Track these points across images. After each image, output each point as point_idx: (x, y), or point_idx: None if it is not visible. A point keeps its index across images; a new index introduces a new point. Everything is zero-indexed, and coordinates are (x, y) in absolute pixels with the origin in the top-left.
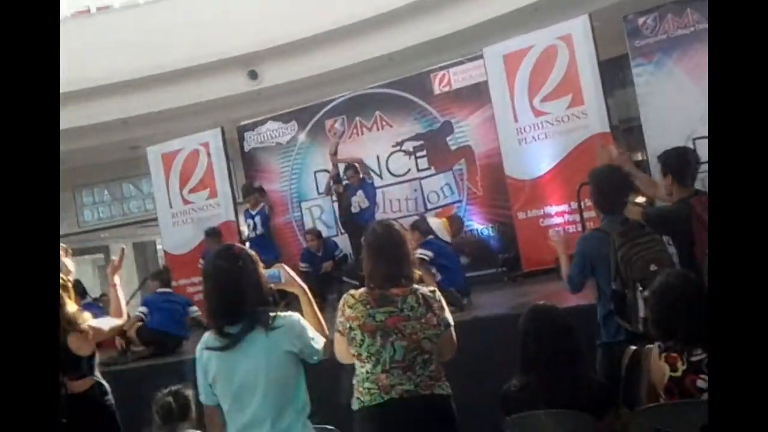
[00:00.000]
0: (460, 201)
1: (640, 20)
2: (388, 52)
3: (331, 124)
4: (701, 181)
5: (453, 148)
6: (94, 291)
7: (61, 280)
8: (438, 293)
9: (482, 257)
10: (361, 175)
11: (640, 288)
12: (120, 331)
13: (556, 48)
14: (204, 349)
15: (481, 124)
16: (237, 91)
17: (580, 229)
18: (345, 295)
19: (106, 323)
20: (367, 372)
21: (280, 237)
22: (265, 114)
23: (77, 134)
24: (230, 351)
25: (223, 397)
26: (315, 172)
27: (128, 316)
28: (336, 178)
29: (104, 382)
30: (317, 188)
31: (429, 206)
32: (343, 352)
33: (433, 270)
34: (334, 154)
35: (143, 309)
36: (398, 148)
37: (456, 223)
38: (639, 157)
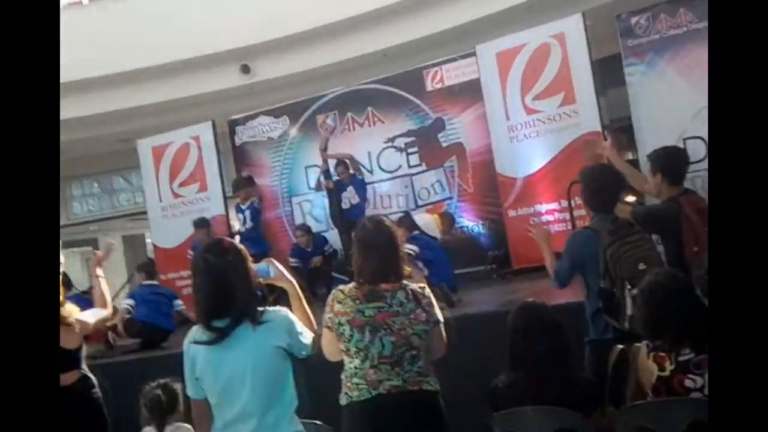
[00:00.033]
0: (450, 198)
1: (633, 20)
2: (381, 48)
3: (322, 120)
4: (690, 180)
5: (444, 144)
6: (82, 284)
7: None
8: (427, 289)
9: (472, 254)
10: (351, 171)
11: (629, 286)
12: (111, 325)
13: (549, 46)
14: (192, 343)
15: (473, 122)
16: (229, 86)
17: (570, 227)
18: (334, 291)
19: (92, 315)
20: (356, 367)
21: (270, 231)
22: (257, 108)
23: (67, 126)
24: (218, 345)
25: (211, 391)
26: (306, 168)
27: (115, 308)
28: (326, 174)
29: (91, 375)
30: (308, 183)
31: (420, 203)
32: (331, 348)
33: (420, 265)
34: (324, 149)
35: (130, 301)
36: (390, 144)
37: (447, 220)
38: (630, 156)
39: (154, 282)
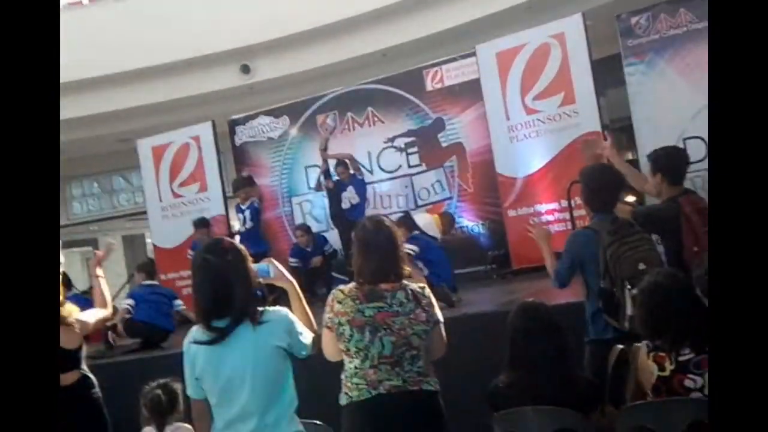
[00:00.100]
0: (450, 198)
1: (633, 20)
2: (381, 48)
3: (322, 120)
4: (690, 180)
5: (444, 144)
6: (82, 284)
7: None
8: (427, 289)
9: (472, 254)
10: (351, 171)
11: (629, 286)
12: (111, 325)
13: (549, 46)
14: (192, 342)
15: (473, 122)
16: (229, 86)
17: (570, 227)
18: (334, 291)
19: (92, 315)
20: (356, 367)
21: (270, 231)
22: (257, 108)
23: (67, 126)
24: (218, 345)
25: (211, 391)
26: (306, 168)
27: (115, 308)
28: (326, 174)
29: (91, 375)
30: (308, 183)
31: (420, 203)
32: (330, 348)
33: (420, 265)
34: (324, 149)
35: (130, 301)
36: (390, 144)
37: (447, 220)
38: (630, 156)
39: (154, 282)
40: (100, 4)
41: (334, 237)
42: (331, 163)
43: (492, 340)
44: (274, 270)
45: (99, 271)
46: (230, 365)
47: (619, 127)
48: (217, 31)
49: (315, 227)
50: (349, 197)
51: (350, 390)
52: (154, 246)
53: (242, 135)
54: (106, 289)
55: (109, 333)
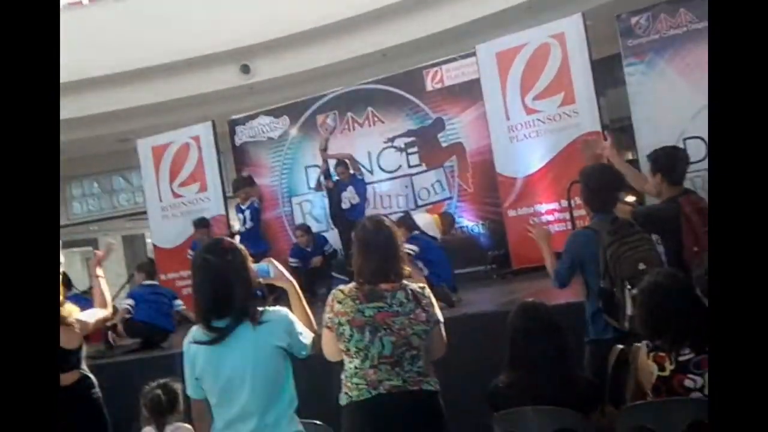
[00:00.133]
0: (450, 198)
1: (633, 20)
2: (381, 48)
3: (322, 120)
4: (690, 180)
5: (444, 144)
6: (83, 284)
7: None
8: (427, 289)
9: (472, 254)
10: (351, 171)
11: (629, 286)
12: (112, 325)
13: (548, 46)
14: (192, 342)
15: (473, 122)
16: (229, 85)
17: (570, 227)
18: (334, 291)
19: (92, 315)
20: (356, 367)
21: (270, 231)
22: (257, 108)
23: (67, 126)
24: (218, 345)
25: (211, 391)
26: (306, 168)
27: (115, 308)
28: (326, 174)
29: (91, 375)
30: (308, 183)
31: (420, 203)
32: (330, 349)
33: (420, 265)
34: (324, 149)
35: (130, 301)
36: (390, 144)
37: (447, 220)
38: (630, 156)
39: (154, 282)
40: (99, 4)
41: (334, 237)
42: (331, 163)
43: (492, 340)
44: (274, 270)
45: (99, 271)
46: (230, 365)
47: (619, 127)
48: (217, 31)
49: (315, 227)
50: (349, 197)
51: (350, 390)
52: (154, 246)
53: (242, 135)
54: (106, 289)
55: (110, 333)
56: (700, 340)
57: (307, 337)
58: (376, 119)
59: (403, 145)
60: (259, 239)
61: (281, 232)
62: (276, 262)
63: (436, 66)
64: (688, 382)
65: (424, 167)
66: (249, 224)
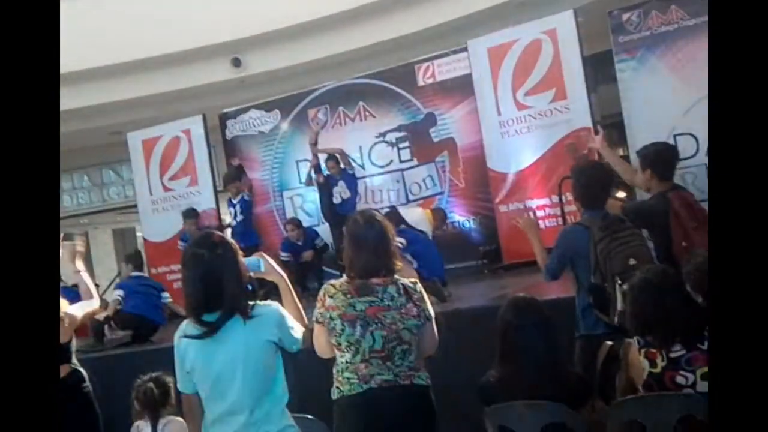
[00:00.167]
0: (441, 193)
1: (625, 16)
2: (373, 42)
3: (313, 114)
4: (680, 176)
5: (436, 140)
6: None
7: None
8: (419, 285)
9: (463, 249)
10: (341, 166)
11: (619, 282)
12: (105, 317)
13: (540, 42)
14: (182, 337)
15: (465, 117)
16: (220, 79)
17: (561, 222)
18: (325, 285)
19: (80, 309)
20: (347, 362)
21: (261, 225)
22: (248, 102)
23: None
24: (209, 339)
25: (202, 385)
26: (297, 162)
27: (105, 301)
28: (317, 168)
29: (81, 369)
30: (299, 177)
31: (411, 197)
32: (322, 344)
33: (409, 257)
34: (315, 144)
35: (120, 293)
36: (381, 139)
37: (439, 215)
38: (621, 152)
39: (143, 274)
40: None
41: (325, 231)
42: (322, 157)
43: (483, 334)
44: (265, 264)
45: (80, 265)
46: (221, 359)
47: (610, 123)
48: (209, 24)
49: (306, 221)
50: (340, 192)
51: (341, 384)
52: (145, 240)
53: (233, 129)
54: (89, 281)
55: (105, 326)
56: (690, 337)
57: (298, 331)
58: (367, 114)
59: (394, 140)
60: (250, 233)
61: (272, 226)
62: (267, 256)
63: (427, 61)
64: (679, 379)
65: (415, 162)
66: (240, 218)
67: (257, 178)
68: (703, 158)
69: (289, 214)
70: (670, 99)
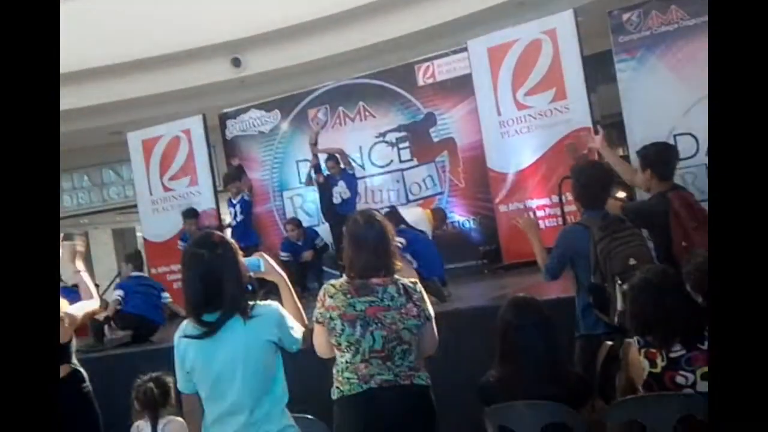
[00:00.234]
0: (441, 193)
1: (625, 16)
2: (372, 42)
3: (313, 114)
4: (680, 176)
5: (436, 139)
6: (72, 277)
7: None
8: (419, 285)
9: (463, 249)
10: (341, 166)
11: (619, 282)
12: (106, 317)
13: (540, 42)
14: (182, 337)
15: (465, 117)
16: (220, 79)
17: (560, 222)
18: (325, 285)
19: (80, 309)
20: (347, 362)
21: (261, 225)
22: (248, 102)
23: None
24: (208, 339)
25: (202, 385)
26: (297, 162)
27: (106, 301)
28: (317, 168)
29: (81, 369)
30: (299, 177)
31: (411, 197)
32: (322, 344)
33: (409, 257)
34: (314, 144)
35: (120, 292)
36: (381, 138)
37: (439, 215)
38: (621, 152)
39: (142, 273)
40: None
41: (325, 231)
42: (322, 157)
43: (483, 334)
44: (265, 264)
45: (79, 265)
46: (221, 359)
47: (610, 123)
48: (208, 23)
49: (306, 221)
50: (340, 192)
51: (341, 384)
52: (145, 240)
53: (233, 129)
54: (89, 281)
55: (106, 326)
56: (690, 337)
57: (297, 331)
58: (367, 114)
59: (394, 140)
60: (250, 233)
61: (272, 226)
62: (267, 256)
63: (427, 61)
64: (679, 379)
65: (415, 162)
66: (240, 218)
67: (257, 178)
68: (703, 158)
69: (289, 214)
70: (670, 99)
